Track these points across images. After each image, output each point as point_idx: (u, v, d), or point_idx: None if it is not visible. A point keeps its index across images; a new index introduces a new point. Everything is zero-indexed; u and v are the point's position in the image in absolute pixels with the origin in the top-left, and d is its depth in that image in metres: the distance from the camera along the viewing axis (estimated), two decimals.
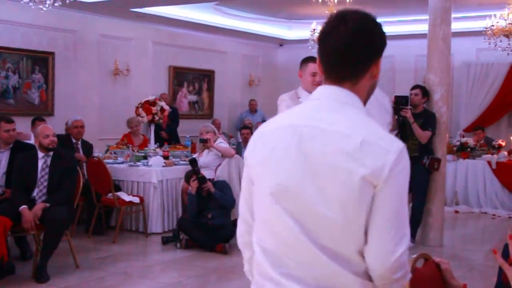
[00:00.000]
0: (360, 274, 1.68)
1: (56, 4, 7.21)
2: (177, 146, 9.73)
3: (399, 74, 13.55)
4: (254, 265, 1.86)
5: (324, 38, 1.77)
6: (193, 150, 9.47)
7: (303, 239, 1.68)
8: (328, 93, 1.79)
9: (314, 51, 11.07)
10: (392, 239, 1.64)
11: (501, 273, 2.38)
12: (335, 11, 1.78)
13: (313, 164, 1.68)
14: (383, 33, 1.79)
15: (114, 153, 9.12)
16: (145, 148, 9.19)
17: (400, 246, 1.65)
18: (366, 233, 1.66)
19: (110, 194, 7.73)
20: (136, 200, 7.88)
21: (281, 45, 15.44)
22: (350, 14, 1.75)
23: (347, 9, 1.78)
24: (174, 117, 11.44)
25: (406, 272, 1.70)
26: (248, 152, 1.87)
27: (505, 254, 2.02)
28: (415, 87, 7.82)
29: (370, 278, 1.70)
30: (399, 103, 7.26)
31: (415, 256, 2.33)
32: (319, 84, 4.59)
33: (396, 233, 1.65)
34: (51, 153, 6.24)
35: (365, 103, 1.83)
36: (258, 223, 1.84)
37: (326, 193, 1.65)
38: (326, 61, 1.79)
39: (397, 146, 1.67)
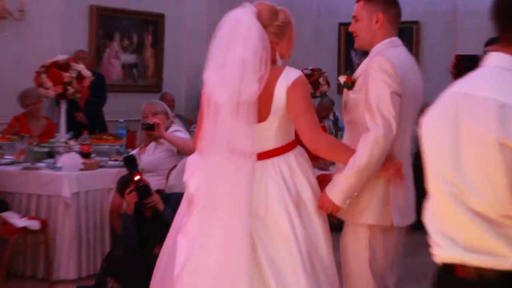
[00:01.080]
0: (506, 237, 2.49)
1: None
2: (104, 137, 9.69)
3: (462, 20, 13.59)
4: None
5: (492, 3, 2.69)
6: (131, 144, 9.75)
7: (455, 201, 2.60)
8: (493, 59, 2.68)
9: None
10: None
11: None
12: None
13: (461, 128, 2.58)
14: None
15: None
16: (51, 140, 9.20)
17: None
18: None
19: None
20: (35, 225, 7.81)
21: None
22: None
23: None
24: (99, 89, 11.31)
25: None
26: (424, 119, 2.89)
27: None
28: (491, 40, 7.50)
29: None
30: (465, 67, 7.09)
31: None
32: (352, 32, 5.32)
33: None
34: None
35: None
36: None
37: (472, 157, 2.54)
38: (493, 24, 2.69)
39: None
